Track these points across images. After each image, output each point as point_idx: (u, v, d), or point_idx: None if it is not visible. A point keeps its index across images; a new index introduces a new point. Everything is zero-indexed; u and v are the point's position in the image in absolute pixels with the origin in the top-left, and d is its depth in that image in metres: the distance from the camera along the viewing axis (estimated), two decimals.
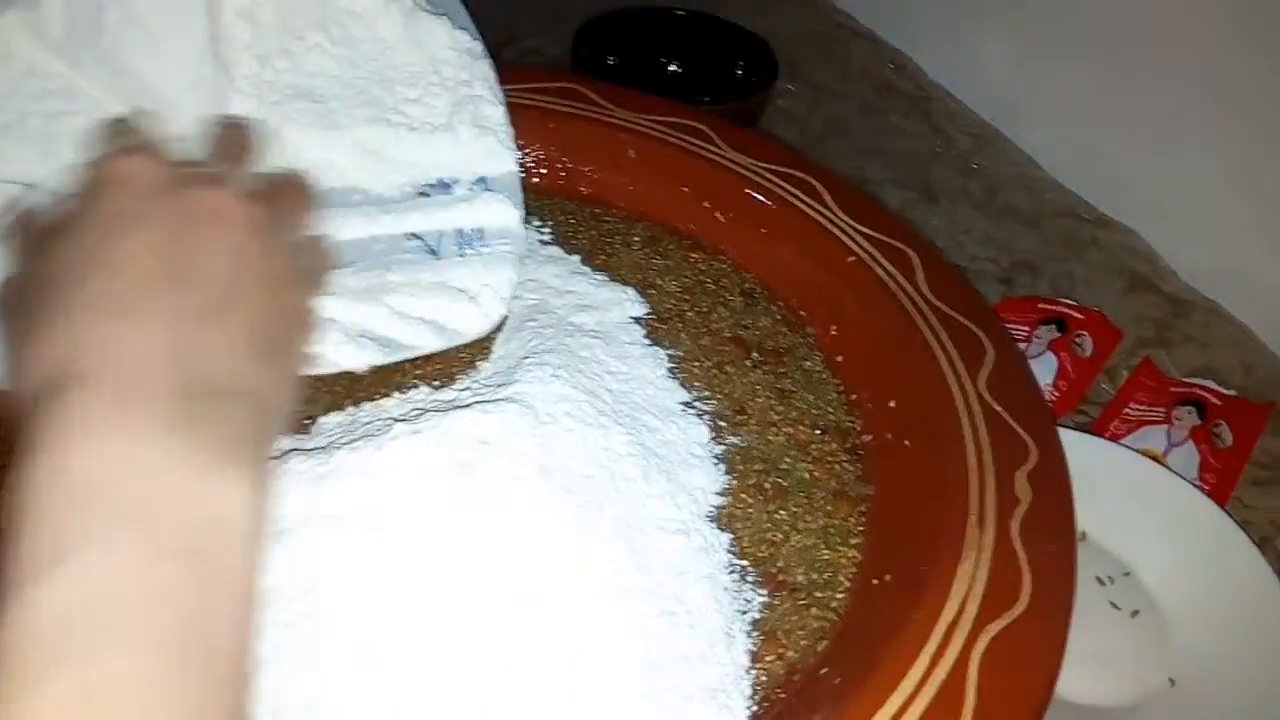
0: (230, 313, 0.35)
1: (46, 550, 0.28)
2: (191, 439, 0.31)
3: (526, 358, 0.51)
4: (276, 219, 0.40)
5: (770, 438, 0.53)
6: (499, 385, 0.49)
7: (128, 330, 0.33)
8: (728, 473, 0.50)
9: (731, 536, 0.48)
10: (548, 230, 0.63)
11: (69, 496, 0.29)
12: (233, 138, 0.44)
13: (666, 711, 0.40)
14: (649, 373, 0.54)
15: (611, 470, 0.46)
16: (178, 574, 0.30)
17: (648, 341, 0.56)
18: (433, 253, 0.53)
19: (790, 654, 0.44)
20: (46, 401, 0.31)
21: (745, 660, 0.43)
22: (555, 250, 0.61)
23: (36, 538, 0.28)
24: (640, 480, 0.47)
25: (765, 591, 0.46)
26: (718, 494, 0.49)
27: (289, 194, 0.43)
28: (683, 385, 0.54)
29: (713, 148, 0.65)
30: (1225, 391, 0.74)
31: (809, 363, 0.57)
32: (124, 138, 0.40)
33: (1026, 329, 0.77)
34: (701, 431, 0.52)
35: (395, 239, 0.53)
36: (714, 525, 0.48)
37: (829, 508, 0.50)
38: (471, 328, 0.51)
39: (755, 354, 0.57)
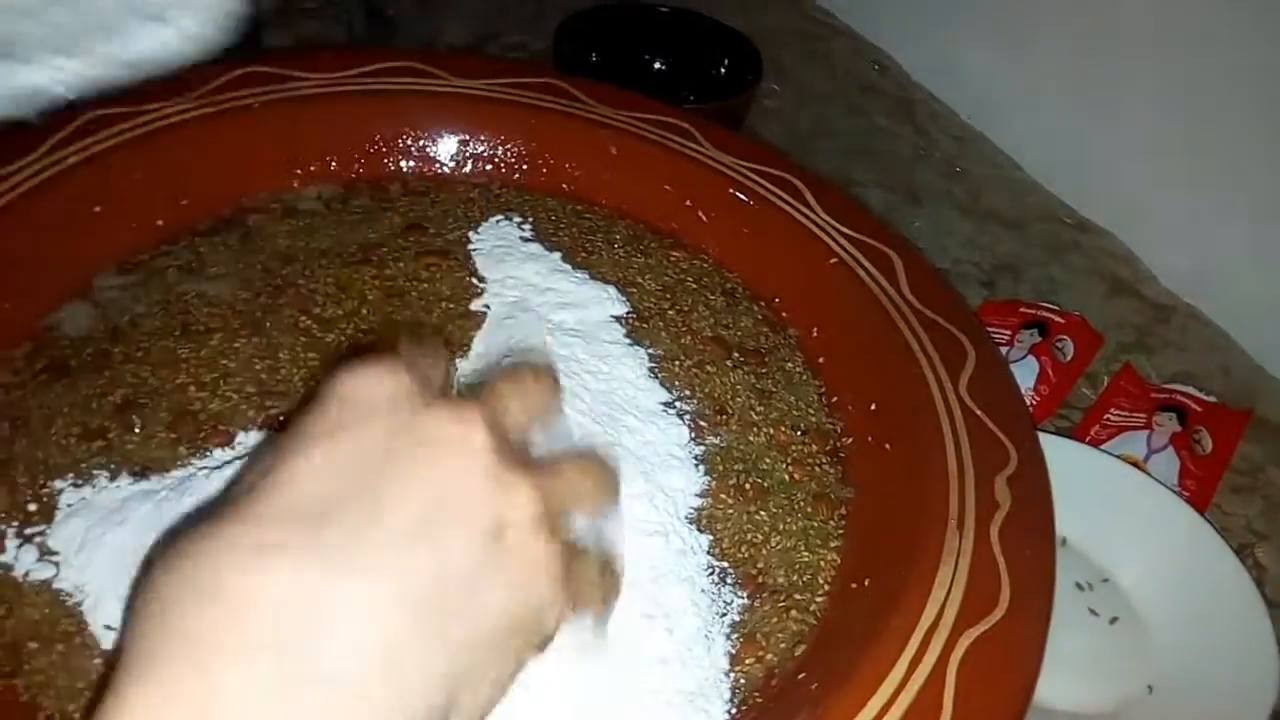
0: (408, 566, 0.27)
1: None
2: None
3: (506, 356, 0.51)
4: (554, 497, 0.31)
5: (750, 438, 0.52)
6: (475, 385, 0.49)
7: (243, 575, 0.26)
8: (707, 474, 0.50)
9: (711, 538, 0.47)
10: (528, 227, 0.62)
11: None
12: (525, 379, 0.35)
13: (644, 715, 0.40)
14: (629, 372, 0.54)
15: None
16: None
17: (629, 341, 0.56)
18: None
19: (769, 657, 0.44)
20: (111, 682, 0.25)
21: (724, 663, 0.43)
22: (536, 248, 0.61)
23: None
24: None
25: (745, 593, 0.46)
26: (697, 495, 0.49)
27: (584, 474, 0.34)
28: (663, 385, 0.54)
29: (696, 146, 0.65)
30: (1205, 398, 0.74)
31: (790, 364, 0.57)
32: (380, 359, 0.32)
33: (1008, 333, 0.76)
34: (681, 432, 0.52)
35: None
36: (693, 527, 0.48)
37: (809, 509, 0.50)
38: (173, 53, 0.47)
39: (736, 354, 0.57)
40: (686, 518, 0.48)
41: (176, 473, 0.47)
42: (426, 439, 0.29)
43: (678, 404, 0.53)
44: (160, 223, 0.58)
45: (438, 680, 0.27)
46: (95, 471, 0.46)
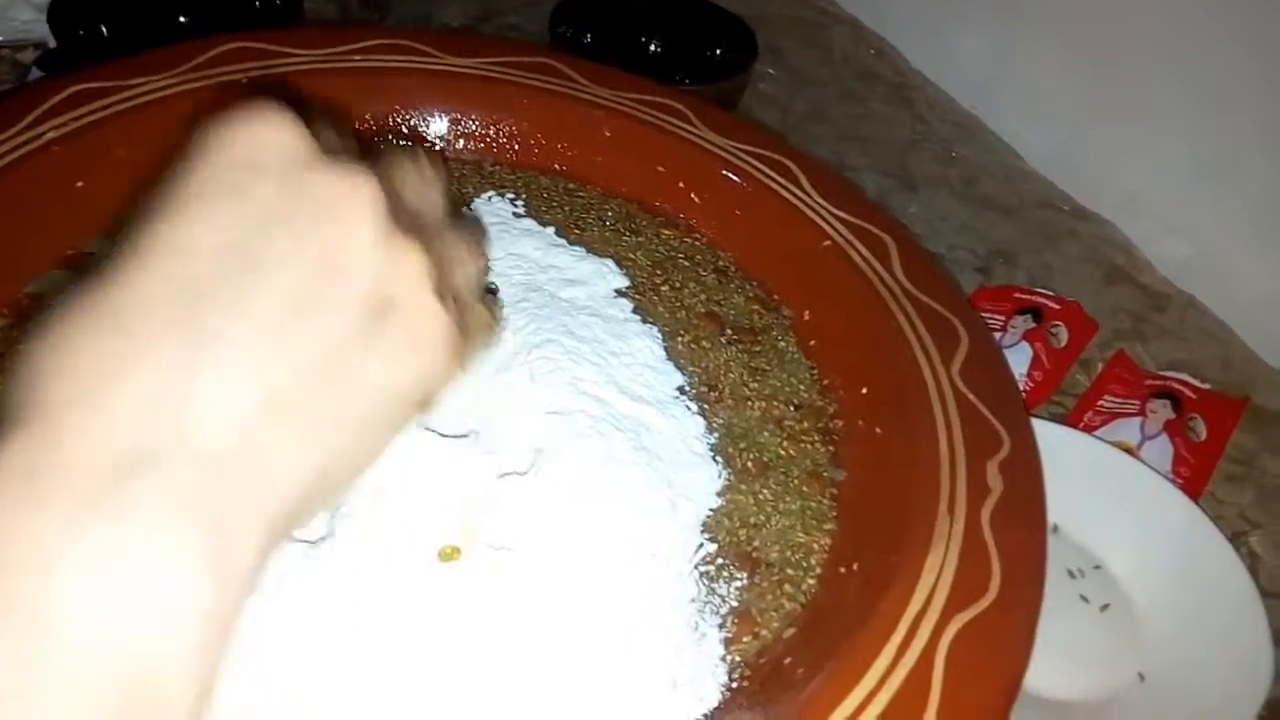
0: (287, 341, 0.26)
1: None
2: (121, 510, 0.24)
3: (537, 347, 0.50)
4: (442, 260, 0.30)
5: (746, 412, 0.52)
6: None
7: (112, 350, 0.25)
8: (725, 465, 0.49)
9: (721, 531, 0.47)
10: (520, 203, 0.62)
11: None
12: (417, 159, 0.33)
13: (639, 705, 0.39)
14: (648, 354, 0.53)
15: (613, 493, 0.45)
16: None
17: (639, 317, 0.56)
18: None
19: (764, 633, 0.43)
20: None
21: (720, 650, 0.42)
22: (529, 223, 0.60)
23: None
24: (642, 488, 0.46)
25: (743, 573, 0.45)
26: (717, 494, 0.48)
27: (465, 235, 0.34)
28: (677, 367, 0.53)
29: (690, 128, 0.64)
30: (1200, 385, 0.73)
31: (783, 343, 0.56)
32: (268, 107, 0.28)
33: (1002, 318, 0.76)
34: (697, 423, 0.51)
35: None
36: (704, 527, 0.47)
37: (804, 489, 0.49)
38: None
39: (730, 331, 0.56)
40: (704, 522, 0.47)
41: None
42: (313, 199, 0.27)
43: (688, 388, 0.52)
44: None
45: (307, 465, 0.27)
46: None
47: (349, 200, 0.28)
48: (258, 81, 0.57)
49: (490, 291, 0.39)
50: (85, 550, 0.23)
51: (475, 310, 0.34)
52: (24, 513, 0.23)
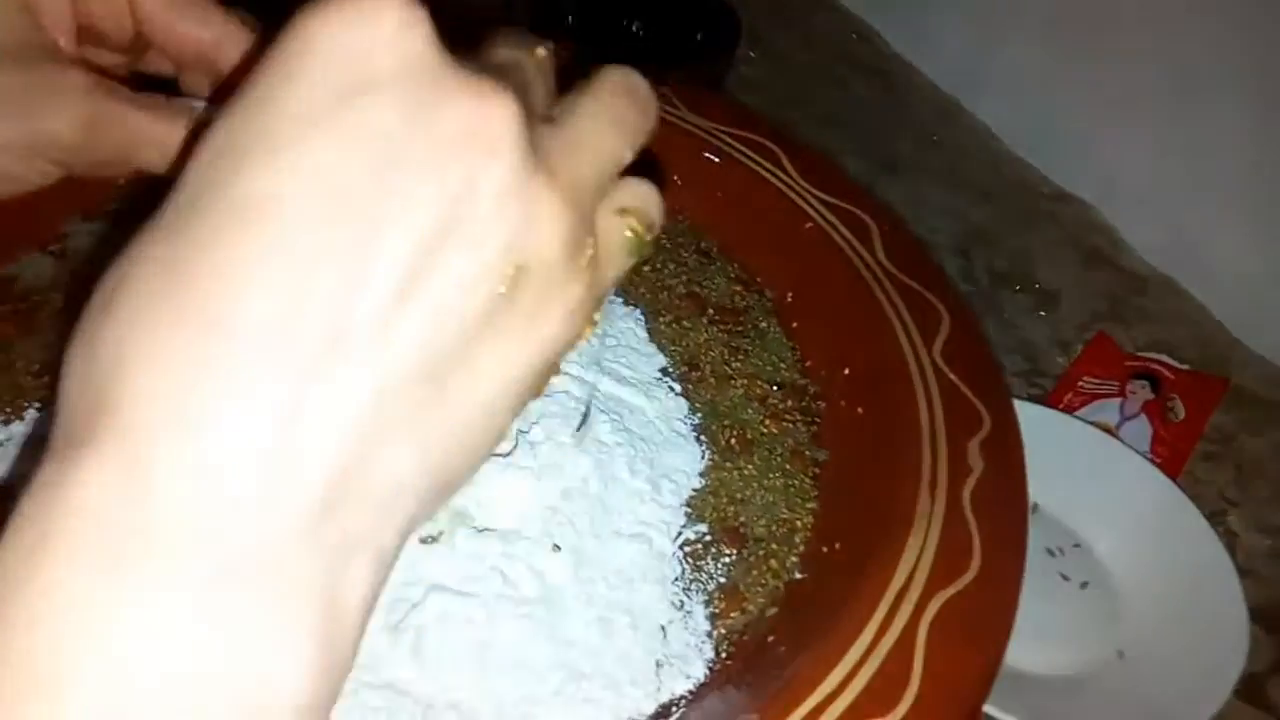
0: (404, 329, 0.21)
1: None
2: (224, 593, 0.20)
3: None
4: (589, 176, 0.25)
5: (728, 390, 0.52)
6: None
7: (210, 354, 0.20)
8: (708, 444, 0.49)
9: (709, 507, 0.47)
10: None
11: (12, 648, 0.19)
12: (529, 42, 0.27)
13: (623, 681, 0.40)
14: (632, 335, 0.53)
15: (596, 474, 0.45)
16: None
17: (621, 299, 0.55)
18: None
19: (750, 608, 0.43)
20: (48, 460, 0.20)
21: (706, 625, 0.42)
22: None
23: None
24: (625, 469, 0.46)
25: (731, 550, 0.45)
26: (700, 474, 0.48)
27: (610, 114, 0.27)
28: (660, 349, 0.53)
29: (672, 110, 0.64)
30: (1179, 366, 0.74)
31: (765, 324, 0.56)
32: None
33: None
34: (680, 404, 0.51)
35: None
36: (688, 507, 0.47)
37: (787, 466, 0.49)
38: None
39: (711, 311, 0.56)
40: (688, 501, 0.47)
41: None
42: (440, 134, 0.21)
43: (671, 369, 0.52)
44: (122, 182, 0.57)
45: (425, 472, 0.22)
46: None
47: (484, 135, 0.22)
48: None
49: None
50: (175, 648, 0.19)
51: (615, 240, 0.27)
52: (102, 584, 0.19)
